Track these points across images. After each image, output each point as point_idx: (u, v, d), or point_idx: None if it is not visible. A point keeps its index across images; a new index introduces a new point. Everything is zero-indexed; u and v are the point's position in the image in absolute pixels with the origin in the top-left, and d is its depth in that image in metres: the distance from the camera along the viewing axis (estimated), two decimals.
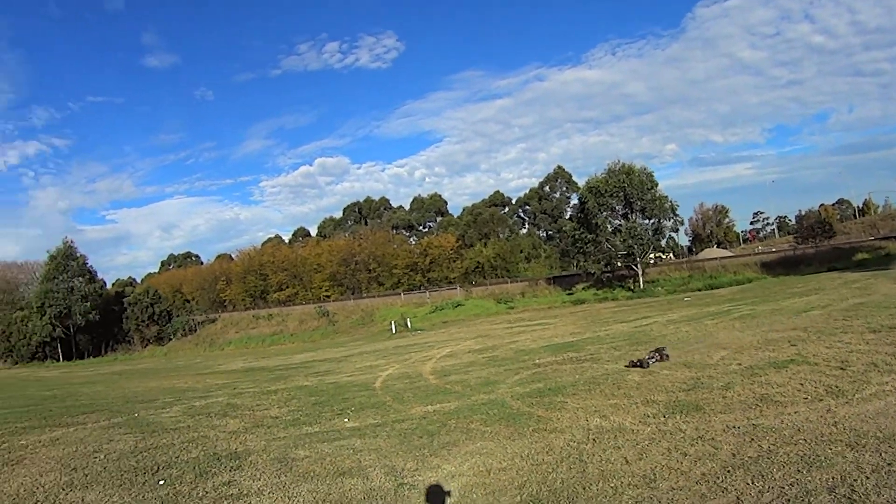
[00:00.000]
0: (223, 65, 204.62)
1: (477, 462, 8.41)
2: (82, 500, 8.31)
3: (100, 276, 75.54)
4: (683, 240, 76.87)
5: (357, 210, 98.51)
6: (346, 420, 12.59)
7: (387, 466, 8.73)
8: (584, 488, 6.89)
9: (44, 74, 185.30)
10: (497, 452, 8.68)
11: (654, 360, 13.36)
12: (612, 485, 6.86)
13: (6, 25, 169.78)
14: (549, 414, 10.41)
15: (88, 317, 67.34)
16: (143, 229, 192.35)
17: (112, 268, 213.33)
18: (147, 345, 68.59)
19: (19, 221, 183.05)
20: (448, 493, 7.33)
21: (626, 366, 13.65)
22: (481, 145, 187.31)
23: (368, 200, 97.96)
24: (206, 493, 8.30)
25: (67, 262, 69.08)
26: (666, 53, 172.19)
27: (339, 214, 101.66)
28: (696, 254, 72.81)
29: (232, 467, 9.46)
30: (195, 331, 69.50)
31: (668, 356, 13.53)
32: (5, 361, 68.91)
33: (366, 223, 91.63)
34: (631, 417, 9.49)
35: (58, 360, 66.87)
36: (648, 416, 9.40)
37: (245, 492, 8.22)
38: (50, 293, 66.67)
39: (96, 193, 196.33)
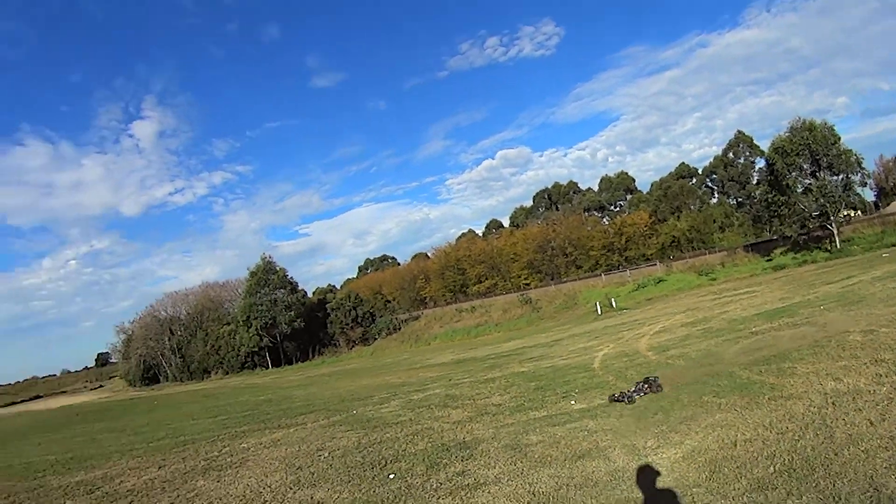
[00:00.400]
0: (390, 74, 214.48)
1: (720, 435, 8.04)
2: (311, 497, 8.61)
3: (301, 286, 79.81)
4: (868, 195, 70.37)
5: (546, 196, 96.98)
6: (572, 402, 12.37)
7: (626, 446, 8.49)
8: (835, 454, 6.57)
9: (217, 110, 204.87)
10: (738, 424, 8.32)
11: (641, 392, 11.68)
12: (863, 448, 6.53)
13: (176, 71, 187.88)
14: (781, 381, 10.05)
15: (293, 325, 71.44)
16: (336, 239, 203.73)
17: (311, 278, 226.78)
18: (353, 346, 71.42)
19: (216, 244, 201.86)
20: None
21: (609, 400, 11.86)
22: (658, 119, 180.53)
23: (557, 186, 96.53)
24: (440, 484, 8.30)
25: (268, 276, 73.69)
26: (818, 4, 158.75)
27: (528, 203, 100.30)
28: (884, 207, 66.53)
29: (463, 457, 9.43)
30: (399, 329, 71.30)
31: (659, 387, 11.78)
32: (216, 373, 75.78)
33: (556, 208, 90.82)
34: (864, 378, 9.05)
35: (267, 368, 72.02)
36: (881, 376, 8.99)
37: (481, 481, 8.14)
38: (254, 306, 71.65)
39: (286, 211, 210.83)
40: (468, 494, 7.70)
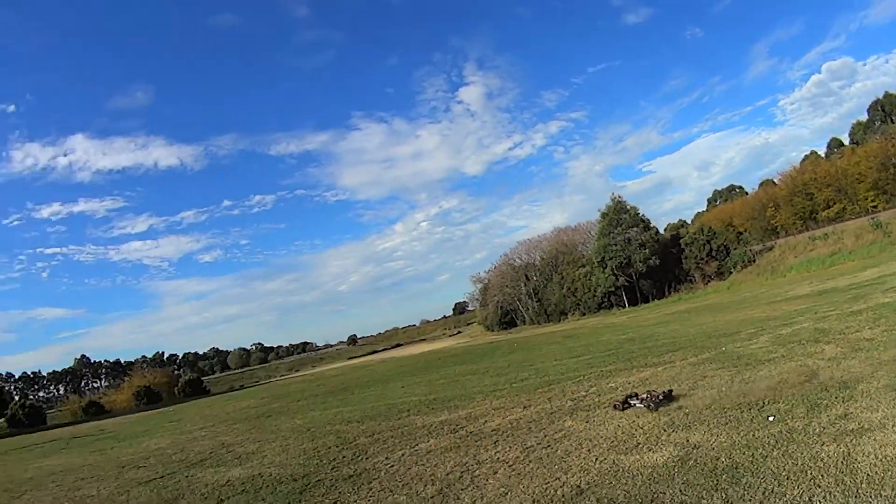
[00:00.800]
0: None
1: None
2: (687, 440, 8.12)
3: (652, 224, 77.54)
4: None
5: (880, 108, 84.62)
6: None
7: None
8: None
9: (538, 64, 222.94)
10: None
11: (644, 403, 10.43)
12: None
13: (490, 36, 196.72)
14: None
15: (648, 263, 69.97)
16: (679, 173, 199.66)
17: (660, 214, 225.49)
18: (708, 281, 68.47)
19: (562, 191, 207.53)
20: None
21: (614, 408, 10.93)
22: None
23: (888, 96, 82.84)
24: (823, 428, 7.43)
25: (619, 216, 72.89)
26: None
27: (863, 117, 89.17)
28: None
29: (843, 398, 8.51)
30: (754, 261, 66.68)
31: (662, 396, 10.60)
32: (573, 314, 77.35)
33: (892, 120, 77.15)
34: None
35: (623, 307, 71.83)
36: None
37: (865, 426, 7.18)
38: (608, 247, 71.59)
39: (626, 150, 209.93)
40: (853, 441, 6.78)
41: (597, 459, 7.92)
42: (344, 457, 11.48)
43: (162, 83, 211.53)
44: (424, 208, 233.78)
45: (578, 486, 6.88)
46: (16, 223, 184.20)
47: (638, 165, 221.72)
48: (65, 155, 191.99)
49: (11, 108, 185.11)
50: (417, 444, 11.25)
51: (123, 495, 11.74)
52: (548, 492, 6.90)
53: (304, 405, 25.60)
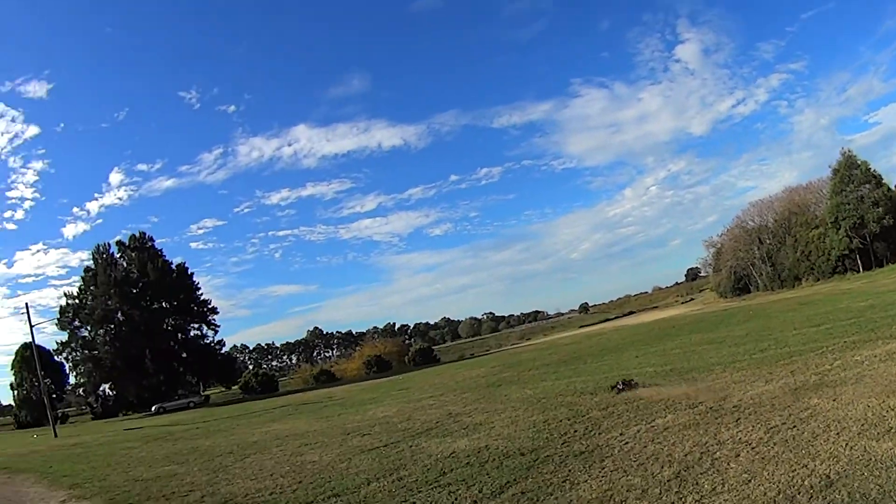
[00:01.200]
0: None
1: None
2: None
3: (884, 180, 70.85)
4: None
5: None
6: None
7: None
8: None
9: (751, 14, 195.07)
10: None
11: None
12: None
13: None
14: None
15: (882, 222, 65.11)
16: None
17: (890, 169, 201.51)
18: None
19: (790, 148, 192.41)
20: None
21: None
22: None
23: None
24: None
25: (850, 171, 68.25)
26: None
27: None
28: None
29: None
30: None
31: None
32: (807, 279, 73.11)
33: None
34: None
35: (857, 272, 67.03)
36: None
37: None
38: (841, 206, 67.33)
39: (850, 101, 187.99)
40: None
41: (846, 445, 7.11)
42: (575, 431, 11.00)
43: (377, 69, 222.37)
44: (653, 172, 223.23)
45: (827, 476, 6.25)
46: (246, 210, 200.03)
47: (864, 117, 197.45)
48: (289, 145, 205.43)
49: (232, 108, 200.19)
50: (654, 420, 10.59)
51: (345, 462, 12.15)
52: (794, 481, 6.30)
53: (536, 375, 25.32)
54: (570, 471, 8.35)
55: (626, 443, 9.33)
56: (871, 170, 69.02)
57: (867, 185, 67.46)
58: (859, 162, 69.31)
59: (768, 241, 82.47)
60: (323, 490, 10.02)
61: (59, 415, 67.58)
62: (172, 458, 17.14)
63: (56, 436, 31.64)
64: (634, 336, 39.24)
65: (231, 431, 23.80)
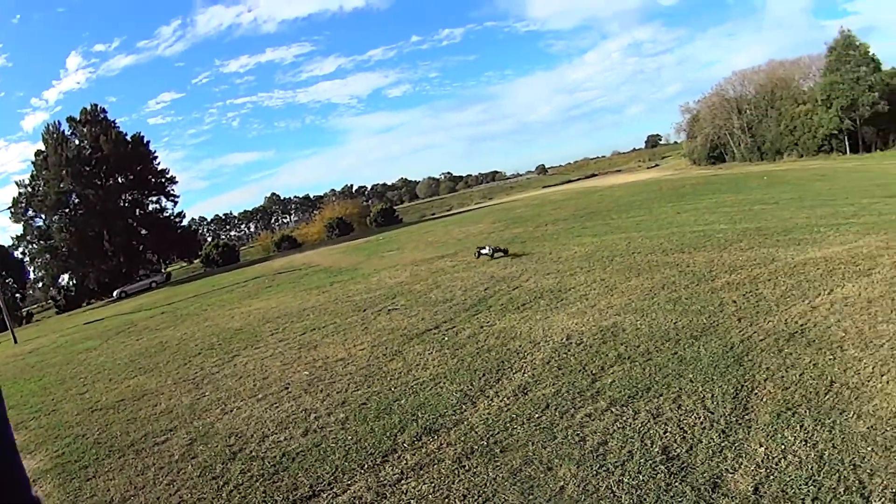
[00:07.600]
0: None
1: None
2: None
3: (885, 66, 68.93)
4: None
5: None
6: None
7: None
8: None
9: None
10: None
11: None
12: None
13: None
14: None
15: (875, 107, 63.90)
16: (891, 17, 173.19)
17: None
18: None
19: (760, 25, 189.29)
20: None
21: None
22: None
23: None
24: None
25: (847, 52, 66.18)
26: None
27: None
28: None
29: None
30: None
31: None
32: (790, 155, 72.16)
33: None
34: None
35: (844, 153, 66.59)
36: None
37: None
38: (835, 84, 65.72)
39: None
40: None
41: None
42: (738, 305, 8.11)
43: None
44: (617, 38, 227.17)
45: None
46: (205, 80, 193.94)
47: (843, 4, 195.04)
48: (248, 11, 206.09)
49: None
50: (842, 287, 8.05)
51: (394, 360, 8.64)
52: None
53: (562, 230, 21.94)
54: (795, 359, 5.83)
55: (834, 318, 6.82)
56: (870, 53, 67.21)
57: (864, 68, 65.73)
58: (858, 43, 67.32)
59: (749, 112, 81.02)
60: (400, 417, 6.25)
61: (24, 314, 65.43)
62: (138, 363, 12.97)
63: (16, 342, 28.73)
64: (644, 193, 35.35)
65: (203, 315, 19.77)
